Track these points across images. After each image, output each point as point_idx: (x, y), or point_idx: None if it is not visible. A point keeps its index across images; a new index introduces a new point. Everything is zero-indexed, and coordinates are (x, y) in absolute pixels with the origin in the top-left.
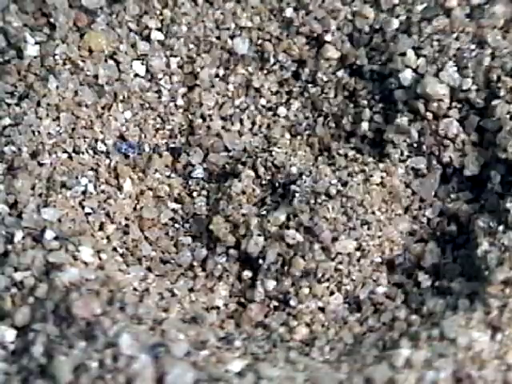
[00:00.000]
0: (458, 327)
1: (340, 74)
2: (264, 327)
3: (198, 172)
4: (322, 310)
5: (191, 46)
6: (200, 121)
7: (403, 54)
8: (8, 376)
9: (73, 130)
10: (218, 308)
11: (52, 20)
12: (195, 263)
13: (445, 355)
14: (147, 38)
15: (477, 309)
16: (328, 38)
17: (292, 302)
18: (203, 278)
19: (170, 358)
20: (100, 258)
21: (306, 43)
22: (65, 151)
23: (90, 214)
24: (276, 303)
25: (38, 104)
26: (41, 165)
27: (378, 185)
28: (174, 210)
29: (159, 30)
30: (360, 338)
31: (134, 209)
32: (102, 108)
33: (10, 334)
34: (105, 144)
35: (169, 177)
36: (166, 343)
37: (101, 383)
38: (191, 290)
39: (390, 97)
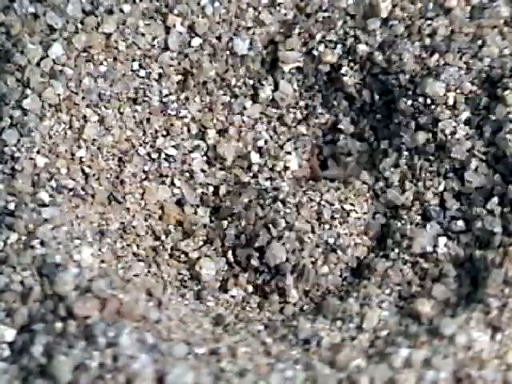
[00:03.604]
0: (458, 327)
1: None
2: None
3: None
4: None
5: None
6: None
7: (403, 54)
8: (8, 376)
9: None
10: None
11: (52, 20)
12: None
13: (444, 355)
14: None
15: (476, 308)
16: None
17: None
18: None
19: (170, 357)
20: (100, 258)
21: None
22: (65, 151)
23: None
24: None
25: (38, 104)
26: (41, 165)
27: None
28: None
29: None
30: None
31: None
32: None
33: (9, 334)
34: None
35: None
36: (166, 343)
37: (101, 383)
38: None
39: (389, 97)
